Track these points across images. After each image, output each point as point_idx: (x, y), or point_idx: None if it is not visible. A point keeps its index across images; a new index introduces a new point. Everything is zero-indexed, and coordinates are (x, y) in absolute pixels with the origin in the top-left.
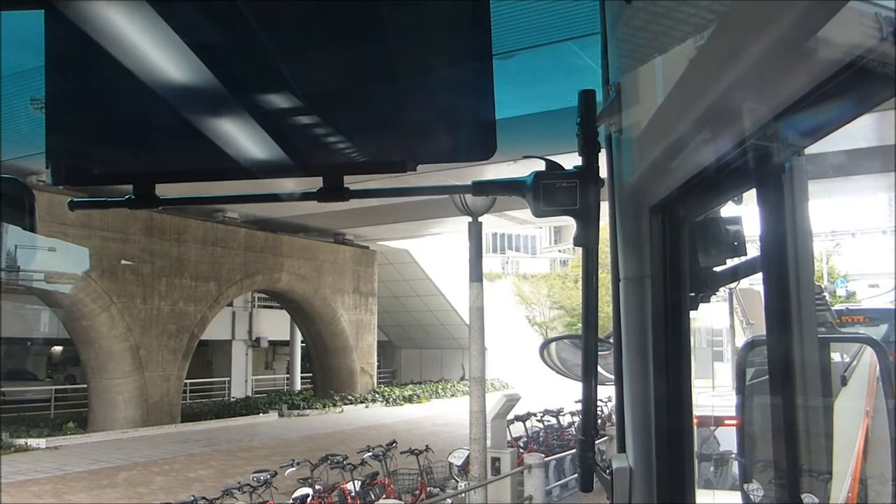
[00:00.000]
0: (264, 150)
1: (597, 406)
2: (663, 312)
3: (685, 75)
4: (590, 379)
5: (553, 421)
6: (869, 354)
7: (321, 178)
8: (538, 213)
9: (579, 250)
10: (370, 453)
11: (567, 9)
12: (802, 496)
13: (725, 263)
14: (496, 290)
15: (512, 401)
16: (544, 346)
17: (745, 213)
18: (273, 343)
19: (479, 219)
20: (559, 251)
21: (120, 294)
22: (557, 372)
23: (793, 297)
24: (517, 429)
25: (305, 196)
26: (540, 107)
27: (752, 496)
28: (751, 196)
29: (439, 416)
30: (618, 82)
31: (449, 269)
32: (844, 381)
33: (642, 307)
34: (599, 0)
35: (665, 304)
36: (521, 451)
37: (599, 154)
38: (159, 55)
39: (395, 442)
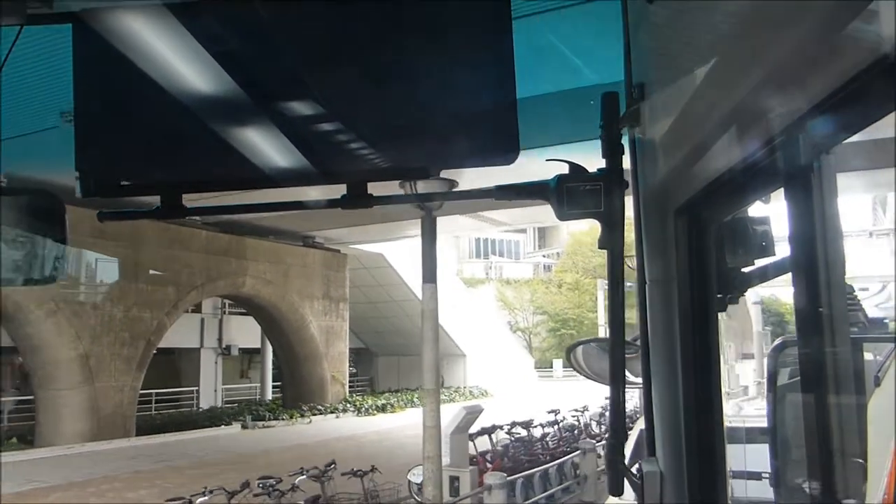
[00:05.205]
0: (289, 158)
1: (625, 409)
2: (690, 315)
3: (709, 76)
4: (617, 382)
5: (524, 433)
6: None
7: (344, 186)
8: (562, 217)
9: (564, 255)
10: (304, 476)
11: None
12: (837, 497)
13: (754, 264)
14: (478, 296)
15: (473, 413)
16: (571, 349)
17: (772, 212)
18: (247, 351)
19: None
20: (543, 256)
21: (67, 299)
22: (585, 376)
23: (823, 298)
24: (485, 443)
25: (330, 204)
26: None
27: (786, 498)
28: (777, 195)
29: (411, 427)
30: (641, 84)
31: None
32: (878, 382)
33: (669, 310)
34: (621, 1)
35: (692, 307)
36: (489, 465)
37: (623, 156)
38: (185, 67)
39: (333, 462)
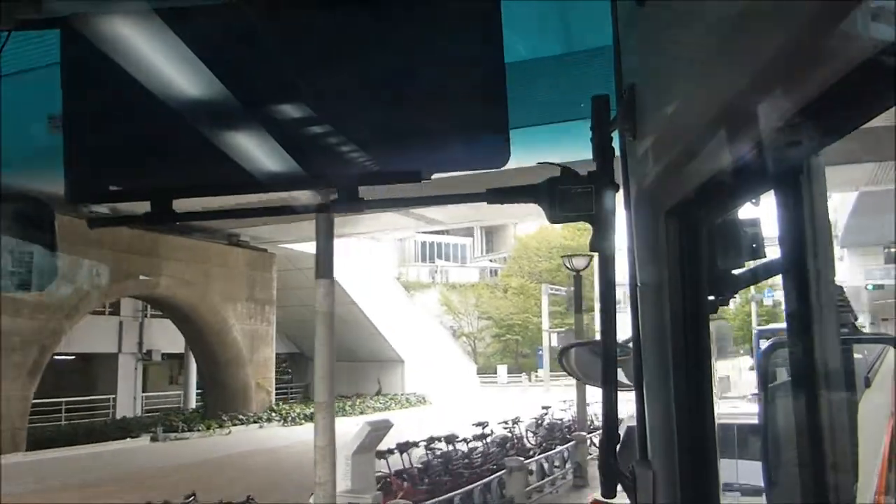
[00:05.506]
0: (279, 162)
1: (617, 412)
2: (682, 317)
3: (700, 77)
4: (610, 385)
5: (449, 448)
6: (893, 355)
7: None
8: (554, 220)
9: (510, 259)
10: None
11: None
12: (828, 496)
13: (744, 266)
14: (422, 300)
15: (379, 430)
16: (563, 351)
17: (762, 214)
18: (173, 356)
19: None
20: (490, 260)
21: None
22: (577, 378)
23: (813, 299)
24: (409, 460)
25: (320, 208)
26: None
27: (776, 499)
28: (767, 197)
29: (340, 437)
30: (631, 85)
31: (361, 276)
32: (868, 383)
33: (660, 312)
34: (611, 2)
35: (683, 309)
36: (405, 486)
37: (614, 159)
38: (174, 72)
39: (193, 495)
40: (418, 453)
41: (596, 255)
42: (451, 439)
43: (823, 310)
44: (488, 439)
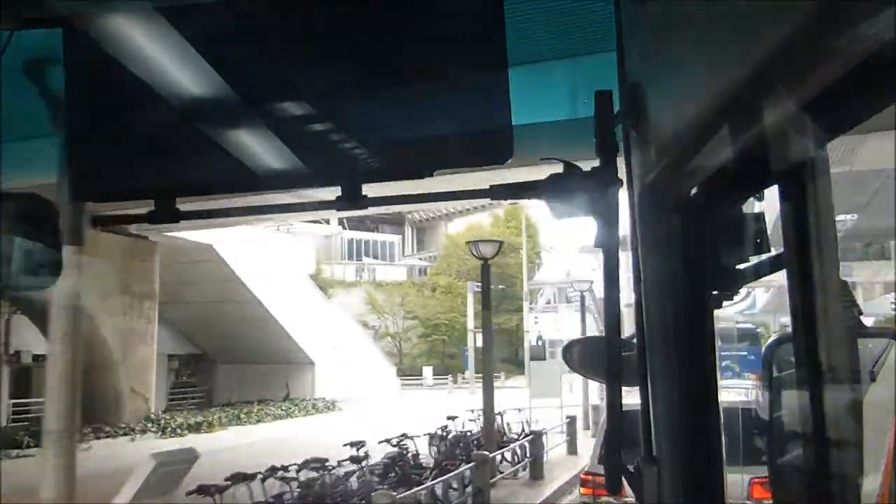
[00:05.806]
0: (283, 160)
1: (622, 408)
2: (686, 312)
3: (703, 72)
4: (614, 381)
5: (313, 475)
6: None
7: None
8: (557, 216)
9: (440, 257)
10: None
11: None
12: (834, 492)
13: (748, 261)
14: (345, 299)
15: (176, 463)
16: (567, 347)
17: (766, 208)
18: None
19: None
20: (419, 258)
21: None
22: (582, 374)
23: (818, 293)
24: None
25: (323, 205)
26: None
27: (782, 495)
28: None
29: (225, 452)
30: (634, 80)
31: (271, 273)
32: (873, 377)
33: (664, 308)
34: None
35: (687, 304)
36: None
37: (617, 154)
38: (177, 70)
39: None
40: (273, 484)
41: (519, 245)
42: (309, 465)
43: (828, 304)
44: (367, 462)
